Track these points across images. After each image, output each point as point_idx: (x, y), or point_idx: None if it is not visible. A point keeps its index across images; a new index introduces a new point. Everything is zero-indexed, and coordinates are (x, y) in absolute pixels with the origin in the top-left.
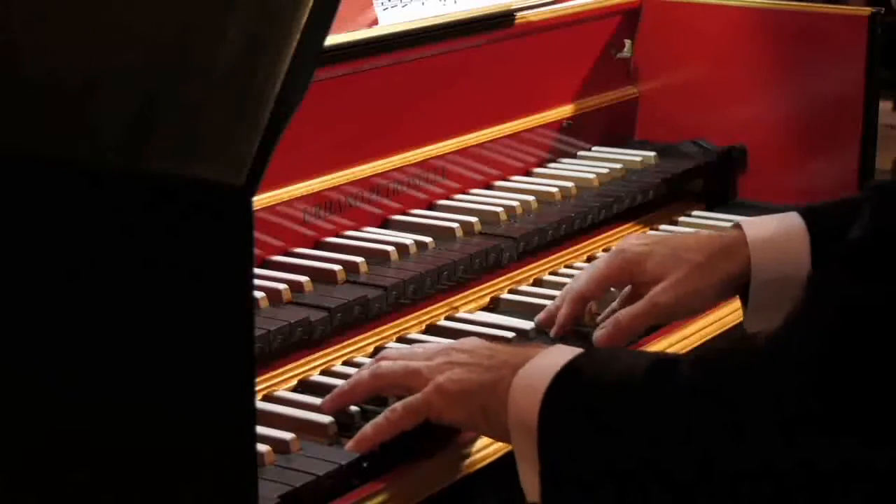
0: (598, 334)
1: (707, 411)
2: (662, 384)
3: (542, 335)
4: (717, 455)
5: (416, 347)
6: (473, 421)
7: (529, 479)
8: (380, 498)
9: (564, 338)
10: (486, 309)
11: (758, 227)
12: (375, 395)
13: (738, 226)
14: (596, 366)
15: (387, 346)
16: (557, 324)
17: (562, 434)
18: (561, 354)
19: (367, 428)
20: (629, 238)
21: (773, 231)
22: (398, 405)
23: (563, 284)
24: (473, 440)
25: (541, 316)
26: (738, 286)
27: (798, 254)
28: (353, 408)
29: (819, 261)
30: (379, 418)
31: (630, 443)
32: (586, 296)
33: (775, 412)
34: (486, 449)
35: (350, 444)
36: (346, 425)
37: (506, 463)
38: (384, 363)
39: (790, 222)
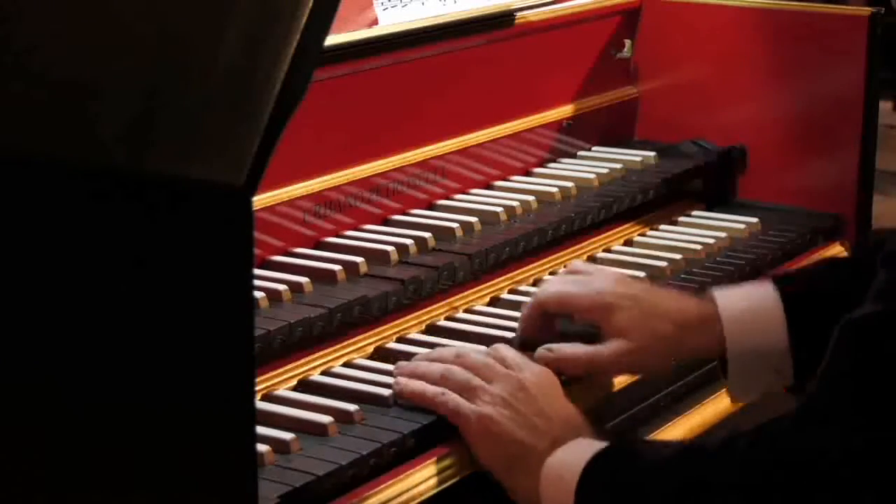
0: (540, 354)
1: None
2: (696, 464)
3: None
4: None
5: (494, 362)
6: (494, 465)
7: None
8: (379, 498)
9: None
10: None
11: (731, 299)
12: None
13: (711, 297)
14: (623, 454)
15: (388, 345)
16: (519, 327)
17: None
18: (589, 446)
19: (420, 387)
20: (615, 284)
21: (747, 304)
22: (451, 395)
23: None
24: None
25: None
26: (715, 355)
27: (773, 326)
28: (353, 407)
29: (796, 331)
30: (435, 390)
31: None
32: (548, 311)
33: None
34: None
35: (401, 383)
36: (346, 425)
37: None
38: (456, 370)
39: (764, 293)
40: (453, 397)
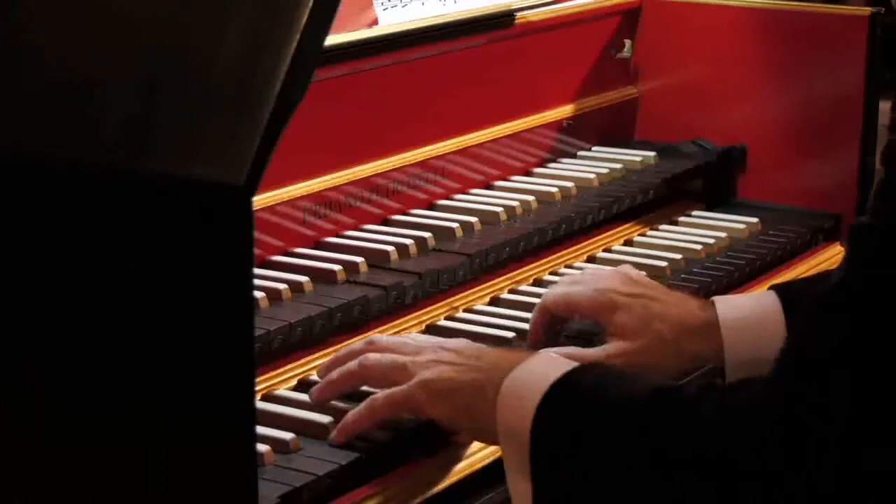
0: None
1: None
2: (667, 408)
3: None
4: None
5: (408, 339)
6: (455, 419)
7: (520, 490)
8: (380, 498)
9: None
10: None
11: (731, 307)
12: (361, 384)
13: (712, 304)
14: (593, 384)
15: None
16: (530, 330)
17: (555, 452)
18: (551, 364)
19: (348, 417)
20: (619, 284)
21: (748, 312)
22: (380, 395)
23: None
24: (473, 441)
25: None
26: (716, 362)
27: (773, 334)
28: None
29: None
30: (360, 406)
31: (627, 466)
32: (554, 313)
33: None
34: (485, 449)
35: (334, 433)
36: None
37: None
38: (371, 355)
39: (765, 302)
40: (383, 394)
